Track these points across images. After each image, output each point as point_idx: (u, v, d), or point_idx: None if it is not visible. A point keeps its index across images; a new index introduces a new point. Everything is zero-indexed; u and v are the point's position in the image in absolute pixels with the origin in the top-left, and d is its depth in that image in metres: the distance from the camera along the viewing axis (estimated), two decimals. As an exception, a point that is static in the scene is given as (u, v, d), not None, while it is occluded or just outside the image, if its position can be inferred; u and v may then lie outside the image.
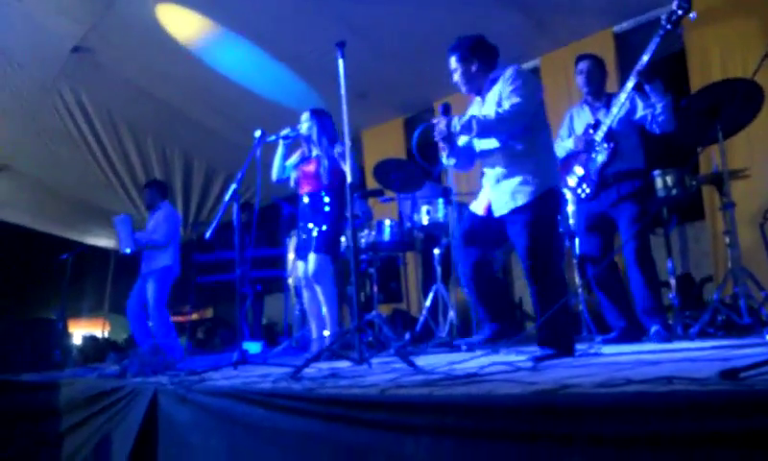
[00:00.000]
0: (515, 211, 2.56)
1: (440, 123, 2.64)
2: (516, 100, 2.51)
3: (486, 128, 2.56)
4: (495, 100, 2.62)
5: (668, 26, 2.91)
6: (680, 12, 2.86)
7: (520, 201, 2.54)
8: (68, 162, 7.24)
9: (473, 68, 2.72)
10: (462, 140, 2.77)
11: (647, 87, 3.02)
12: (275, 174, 3.95)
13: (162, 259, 4.89)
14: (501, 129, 2.57)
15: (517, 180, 2.56)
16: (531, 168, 2.56)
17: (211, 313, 9.01)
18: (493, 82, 2.69)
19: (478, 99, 2.80)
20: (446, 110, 2.67)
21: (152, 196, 5.11)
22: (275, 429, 1.89)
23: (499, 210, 2.63)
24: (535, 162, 2.57)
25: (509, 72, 2.63)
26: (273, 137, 3.74)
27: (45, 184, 7.89)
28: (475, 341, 2.85)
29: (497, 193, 2.64)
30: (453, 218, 3.95)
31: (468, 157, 2.85)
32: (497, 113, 2.55)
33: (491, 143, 2.67)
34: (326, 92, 5.53)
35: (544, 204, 2.53)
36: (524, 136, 2.58)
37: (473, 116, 2.58)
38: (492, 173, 2.68)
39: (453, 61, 2.76)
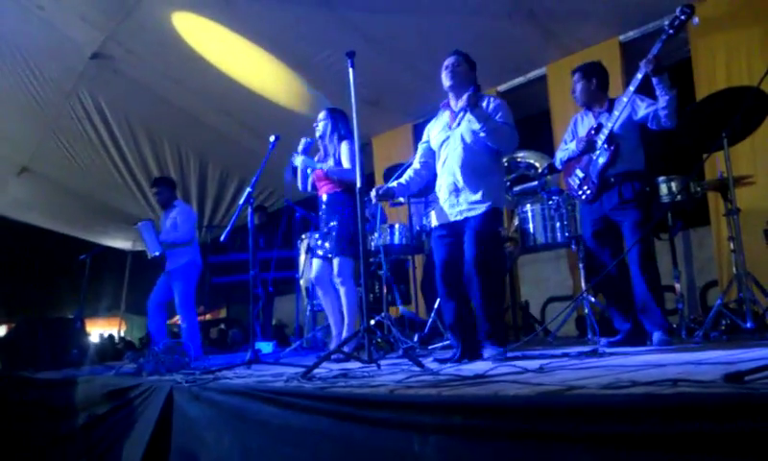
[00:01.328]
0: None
1: (471, 96, 2.86)
2: (515, 131, 2.94)
3: (492, 127, 2.86)
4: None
5: (671, 31, 2.95)
6: (682, 18, 2.91)
7: (476, 211, 2.89)
8: (87, 165, 7.38)
9: (470, 76, 3.05)
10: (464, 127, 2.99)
11: (654, 80, 3.02)
12: (300, 184, 4.00)
13: (187, 255, 4.97)
14: (498, 137, 2.88)
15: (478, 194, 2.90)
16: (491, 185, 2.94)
17: (225, 313, 9.10)
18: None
19: (446, 112, 3.09)
20: (477, 88, 2.98)
21: (166, 194, 5.18)
22: (286, 427, 1.93)
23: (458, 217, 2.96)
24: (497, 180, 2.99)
25: (497, 101, 3.01)
26: (299, 153, 3.87)
27: (64, 187, 8.02)
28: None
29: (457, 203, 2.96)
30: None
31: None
32: (505, 123, 2.89)
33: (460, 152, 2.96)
34: (339, 100, 5.61)
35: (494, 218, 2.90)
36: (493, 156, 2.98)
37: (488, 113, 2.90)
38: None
39: (460, 60, 3.04)
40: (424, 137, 3.24)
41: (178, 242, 4.95)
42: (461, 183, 2.94)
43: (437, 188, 3.10)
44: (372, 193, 3.13)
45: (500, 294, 2.98)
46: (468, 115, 2.90)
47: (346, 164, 3.78)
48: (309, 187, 4.01)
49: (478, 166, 2.93)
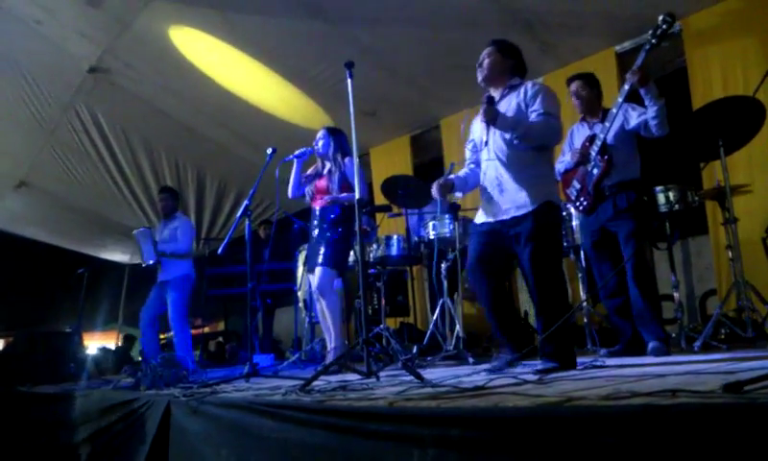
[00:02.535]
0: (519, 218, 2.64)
1: (485, 113, 2.63)
2: (554, 120, 2.63)
3: (524, 131, 2.62)
4: (513, 108, 2.68)
5: (653, 41, 2.98)
6: (664, 27, 2.94)
7: (524, 209, 2.62)
8: (84, 179, 7.38)
9: (505, 65, 2.79)
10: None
11: (641, 91, 3.04)
12: (290, 191, 4.05)
13: (182, 267, 4.98)
14: (535, 136, 2.63)
15: (524, 190, 2.64)
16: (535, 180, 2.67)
17: (223, 326, 9.07)
18: (512, 89, 2.75)
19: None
20: (490, 101, 2.69)
21: (169, 203, 5.20)
22: (285, 441, 1.92)
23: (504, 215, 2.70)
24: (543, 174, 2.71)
25: (536, 86, 2.71)
26: (289, 157, 3.85)
27: (62, 200, 8.02)
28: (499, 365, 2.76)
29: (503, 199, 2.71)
30: (459, 233, 4.01)
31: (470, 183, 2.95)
32: (542, 114, 2.61)
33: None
34: (337, 111, 5.64)
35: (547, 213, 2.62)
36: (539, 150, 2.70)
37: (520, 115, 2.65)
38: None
39: (491, 49, 2.81)
40: (470, 135, 3.03)
41: (177, 253, 4.96)
42: (505, 180, 2.71)
43: (480, 186, 2.89)
44: (435, 186, 2.86)
45: (561, 299, 2.64)
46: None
47: (351, 181, 3.81)
48: (308, 197, 4.03)
49: (521, 161, 2.68)
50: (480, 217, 2.85)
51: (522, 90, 2.71)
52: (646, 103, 3.06)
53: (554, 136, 2.68)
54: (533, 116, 2.63)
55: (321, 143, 3.98)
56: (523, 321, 4.87)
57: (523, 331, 2.74)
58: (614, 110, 3.14)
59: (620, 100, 3.11)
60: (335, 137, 3.98)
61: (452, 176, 2.96)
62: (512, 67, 2.80)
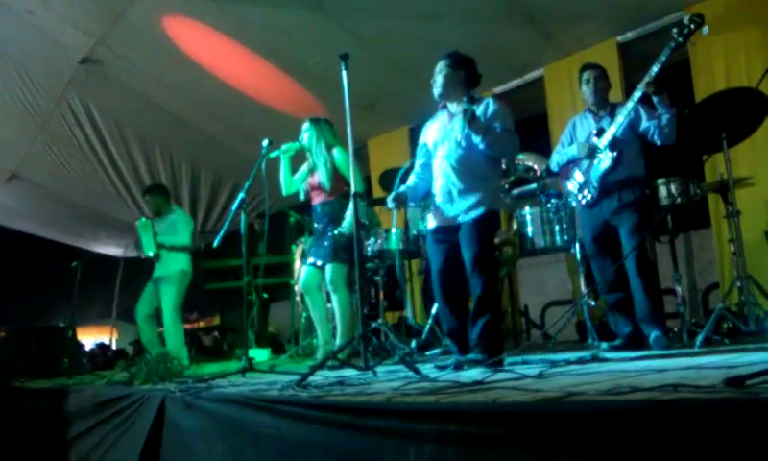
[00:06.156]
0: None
1: (466, 112, 2.77)
2: (514, 136, 2.87)
3: (492, 139, 2.79)
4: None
5: (680, 39, 2.93)
6: (692, 27, 2.89)
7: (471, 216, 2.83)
8: (77, 171, 7.29)
9: (457, 78, 2.93)
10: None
11: (654, 99, 3.04)
12: (284, 189, 4.00)
13: (180, 263, 4.89)
14: (498, 147, 2.83)
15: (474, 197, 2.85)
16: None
17: (218, 320, 9.03)
18: (472, 102, 2.86)
19: (444, 113, 3.02)
20: (470, 100, 2.85)
21: (160, 201, 5.14)
22: (281, 436, 1.90)
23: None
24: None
25: (497, 104, 2.92)
26: (275, 153, 3.78)
27: (54, 193, 7.94)
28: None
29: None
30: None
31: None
32: (504, 129, 2.82)
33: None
34: (334, 102, 5.57)
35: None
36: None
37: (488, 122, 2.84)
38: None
39: (442, 65, 2.96)
40: (422, 139, 3.18)
41: (177, 245, 4.90)
42: (456, 186, 2.89)
43: (432, 189, 3.05)
44: (389, 199, 3.06)
45: (496, 302, 2.90)
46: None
47: (343, 172, 3.78)
48: (302, 195, 3.98)
49: (474, 169, 2.88)
50: (431, 222, 3.03)
51: (483, 105, 2.90)
52: (659, 110, 3.06)
53: (514, 150, 3.00)
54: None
55: (306, 135, 3.93)
56: (522, 314, 4.85)
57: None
58: (630, 105, 3.10)
59: (637, 96, 3.06)
60: (318, 127, 3.92)
61: (402, 188, 3.17)
62: (464, 79, 2.94)
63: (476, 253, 2.76)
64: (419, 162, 3.18)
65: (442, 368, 2.72)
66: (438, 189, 2.98)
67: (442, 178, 2.95)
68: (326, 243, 3.78)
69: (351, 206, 3.22)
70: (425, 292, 5.10)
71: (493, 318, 2.76)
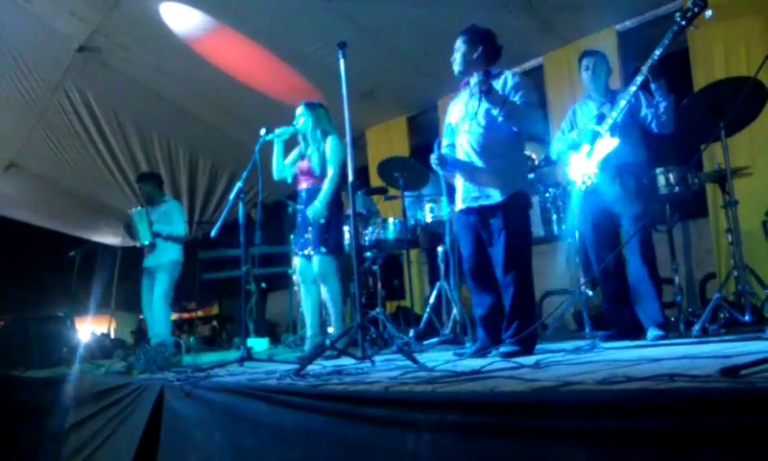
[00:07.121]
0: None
1: (481, 83, 2.67)
2: (537, 110, 2.78)
3: (511, 110, 2.67)
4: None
5: (683, 22, 2.90)
6: (695, 10, 2.86)
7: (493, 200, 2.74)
8: (75, 160, 7.27)
9: (474, 55, 2.86)
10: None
11: (653, 86, 3.02)
12: (275, 173, 3.94)
13: (172, 252, 4.93)
14: (518, 119, 2.71)
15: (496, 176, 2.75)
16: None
17: (216, 310, 9.04)
18: (492, 77, 2.77)
19: (466, 91, 2.90)
20: (487, 73, 2.73)
21: (152, 189, 5.13)
22: (279, 425, 1.91)
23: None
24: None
25: (517, 77, 2.80)
26: (269, 136, 3.73)
27: (52, 182, 7.91)
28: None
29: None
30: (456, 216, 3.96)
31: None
32: (526, 103, 2.70)
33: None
34: (332, 91, 5.54)
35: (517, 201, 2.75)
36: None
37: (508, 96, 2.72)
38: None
39: (459, 41, 2.89)
40: (447, 118, 3.08)
41: (173, 235, 4.91)
42: (477, 165, 2.79)
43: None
44: (433, 158, 2.88)
45: (528, 288, 2.77)
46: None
47: (330, 159, 3.72)
48: (290, 179, 3.94)
49: (495, 147, 2.77)
50: (458, 204, 2.94)
51: (503, 79, 2.80)
52: (657, 97, 3.05)
53: (536, 124, 2.83)
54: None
55: (301, 120, 3.85)
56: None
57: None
58: (633, 89, 3.08)
59: (639, 79, 3.04)
60: (315, 113, 3.85)
61: (444, 150, 2.99)
62: (483, 54, 2.85)
63: (505, 244, 2.66)
64: (444, 141, 3.05)
65: (459, 355, 2.72)
66: (458, 169, 2.89)
67: (464, 156, 2.86)
68: (315, 230, 3.69)
69: (345, 194, 3.16)
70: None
71: (528, 314, 2.67)
